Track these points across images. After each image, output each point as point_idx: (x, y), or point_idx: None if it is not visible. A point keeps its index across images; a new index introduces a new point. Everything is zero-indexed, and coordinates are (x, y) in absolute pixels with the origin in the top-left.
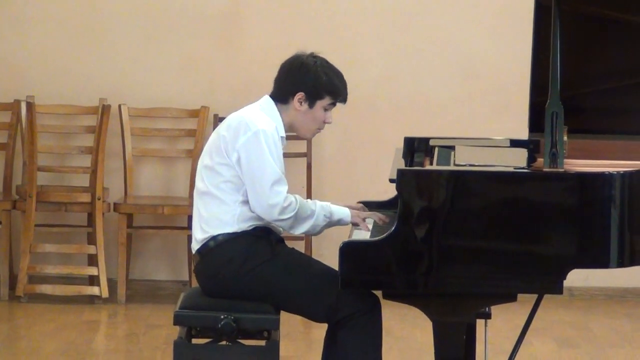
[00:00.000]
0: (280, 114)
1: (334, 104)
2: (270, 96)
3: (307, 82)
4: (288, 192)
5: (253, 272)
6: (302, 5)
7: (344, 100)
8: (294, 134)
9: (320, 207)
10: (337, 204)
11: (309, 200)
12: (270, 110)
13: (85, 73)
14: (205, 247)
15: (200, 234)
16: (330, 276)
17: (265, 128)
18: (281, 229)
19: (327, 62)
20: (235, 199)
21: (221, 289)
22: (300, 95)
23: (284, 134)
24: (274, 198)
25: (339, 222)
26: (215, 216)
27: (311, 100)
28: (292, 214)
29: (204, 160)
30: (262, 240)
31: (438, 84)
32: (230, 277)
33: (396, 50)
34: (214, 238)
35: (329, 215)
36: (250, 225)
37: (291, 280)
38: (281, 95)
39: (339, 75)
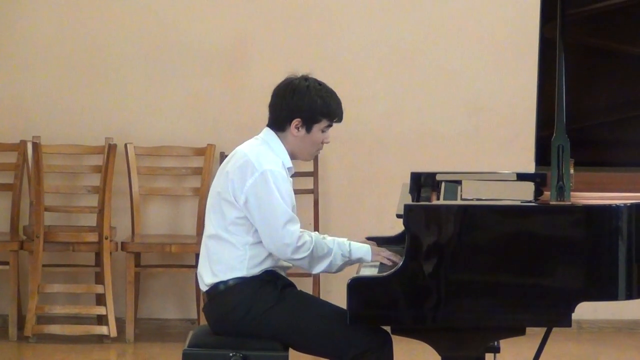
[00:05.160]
0: (282, 143)
1: (331, 125)
2: (268, 125)
3: (302, 107)
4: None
5: (258, 319)
6: (307, 42)
7: (339, 120)
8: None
9: (338, 246)
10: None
11: (327, 237)
12: (274, 142)
13: (90, 113)
14: (214, 290)
15: (209, 278)
16: (338, 315)
17: (272, 168)
18: (291, 266)
19: (319, 83)
20: (245, 241)
21: (229, 331)
22: (296, 121)
23: (290, 165)
24: (287, 238)
25: (359, 261)
26: (225, 260)
27: (308, 125)
28: (307, 253)
29: (211, 201)
30: (269, 285)
31: (444, 118)
32: (237, 323)
33: (402, 86)
34: (223, 282)
35: (347, 254)
36: (260, 271)
37: (298, 323)
38: (278, 123)
39: (333, 96)
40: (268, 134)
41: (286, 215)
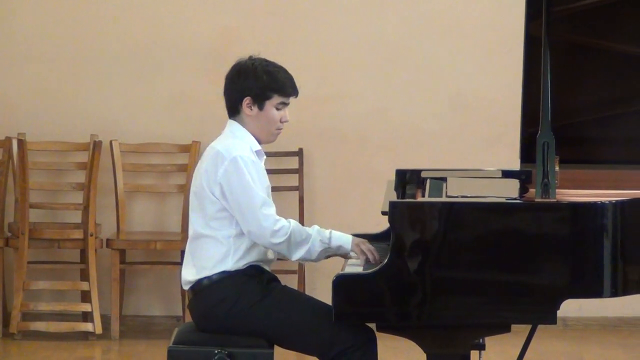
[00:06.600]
0: (244, 128)
1: (285, 103)
2: (229, 116)
3: (250, 85)
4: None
5: (244, 312)
6: (292, 40)
7: (294, 94)
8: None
9: (317, 232)
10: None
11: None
12: (238, 131)
13: (76, 109)
14: (198, 285)
15: (192, 275)
16: (323, 311)
17: (240, 153)
18: (274, 255)
19: (266, 60)
20: (229, 234)
21: (214, 327)
22: (247, 100)
23: (259, 147)
24: (264, 221)
25: (339, 250)
26: (210, 256)
27: (259, 102)
28: (285, 237)
29: (191, 202)
30: (254, 280)
31: (429, 115)
32: (222, 317)
33: (387, 83)
34: (207, 277)
35: (326, 240)
36: (245, 264)
37: (283, 318)
38: (232, 107)
39: (281, 71)
40: (231, 124)
41: (260, 198)
